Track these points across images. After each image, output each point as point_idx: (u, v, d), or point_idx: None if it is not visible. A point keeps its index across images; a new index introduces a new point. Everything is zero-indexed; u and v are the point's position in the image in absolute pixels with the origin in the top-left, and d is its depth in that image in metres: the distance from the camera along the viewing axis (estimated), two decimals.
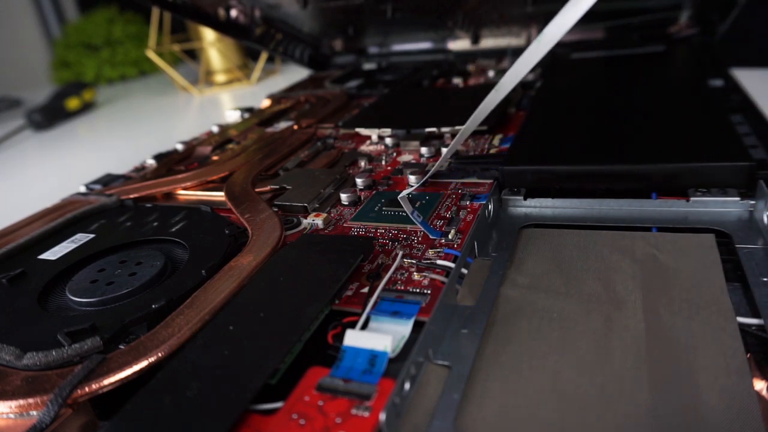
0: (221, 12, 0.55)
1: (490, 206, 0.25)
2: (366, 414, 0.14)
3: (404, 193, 0.21)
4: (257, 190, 0.30)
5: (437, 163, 0.20)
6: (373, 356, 0.17)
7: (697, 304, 0.18)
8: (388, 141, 0.36)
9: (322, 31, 0.62)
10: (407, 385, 0.16)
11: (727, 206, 0.24)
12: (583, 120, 0.32)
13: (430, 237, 0.23)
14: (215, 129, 0.46)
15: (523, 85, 0.44)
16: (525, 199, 0.27)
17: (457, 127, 0.34)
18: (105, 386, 0.16)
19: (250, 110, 0.50)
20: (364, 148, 0.36)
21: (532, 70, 0.48)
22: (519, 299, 0.20)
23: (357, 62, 0.62)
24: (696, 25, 0.48)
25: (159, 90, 0.88)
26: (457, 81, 0.49)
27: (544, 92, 0.40)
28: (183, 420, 0.14)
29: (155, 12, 0.78)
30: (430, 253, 0.22)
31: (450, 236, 0.23)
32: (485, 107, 0.18)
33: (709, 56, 0.43)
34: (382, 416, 0.14)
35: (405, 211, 0.25)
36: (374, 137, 0.37)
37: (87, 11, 1.06)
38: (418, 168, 0.30)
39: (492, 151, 0.32)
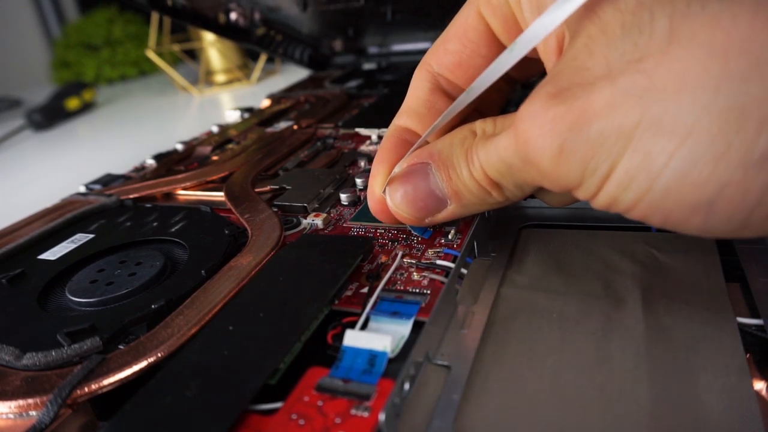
0: (221, 15, 0.55)
1: None
2: (365, 414, 0.14)
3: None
4: (257, 190, 0.30)
5: (400, 163, 0.20)
6: (372, 356, 0.17)
7: (697, 304, 0.18)
8: None
9: (321, 32, 0.62)
10: (407, 386, 0.16)
11: None
12: None
13: (421, 236, 0.23)
14: (215, 129, 0.46)
15: (523, 86, 0.44)
16: (525, 198, 0.26)
17: None
18: (104, 386, 0.16)
19: (249, 110, 0.50)
20: (364, 148, 0.36)
21: None
22: (518, 299, 0.20)
23: (357, 62, 0.62)
24: None
25: (159, 90, 0.88)
26: None
27: None
28: (182, 420, 0.14)
29: (155, 13, 0.78)
30: (430, 253, 0.22)
31: (450, 236, 0.23)
32: (454, 108, 0.18)
33: None
34: (382, 416, 0.14)
35: None
36: (374, 137, 0.37)
37: (87, 11, 1.06)
38: None
39: None
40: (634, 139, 0.14)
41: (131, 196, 0.32)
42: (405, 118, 0.22)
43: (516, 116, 0.16)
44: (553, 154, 0.15)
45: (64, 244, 0.27)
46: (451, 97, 0.21)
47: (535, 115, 0.15)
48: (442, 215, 0.20)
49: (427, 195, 0.19)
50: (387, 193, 0.20)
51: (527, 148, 0.15)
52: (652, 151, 0.13)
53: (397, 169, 0.20)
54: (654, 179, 0.14)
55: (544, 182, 0.16)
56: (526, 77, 0.23)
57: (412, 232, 0.23)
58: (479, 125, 0.18)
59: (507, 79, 0.22)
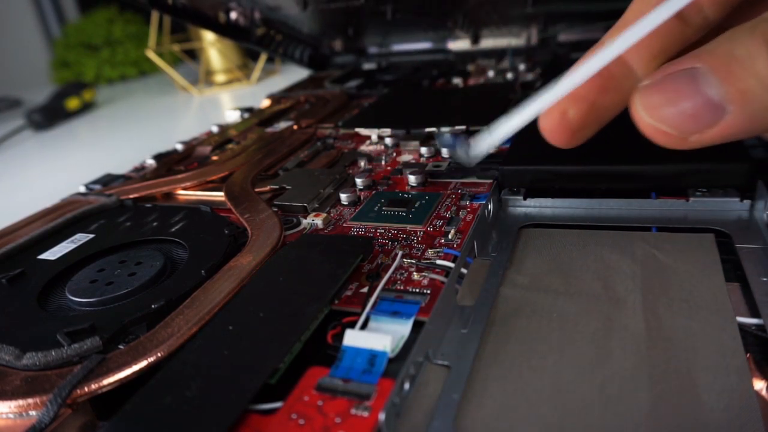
0: (221, 15, 0.55)
1: (490, 206, 0.25)
2: (365, 414, 0.14)
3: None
4: (257, 190, 0.30)
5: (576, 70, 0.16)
6: (372, 356, 0.17)
7: (697, 304, 0.18)
8: (388, 141, 0.36)
9: (321, 32, 0.62)
10: (407, 385, 0.16)
11: (727, 206, 0.24)
12: None
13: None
14: (215, 129, 0.46)
15: (522, 85, 0.44)
16: (525, 198, 0.27)
17: (457, 128, 0.34)
18: (104, 386, 0.16)
19: (249, 110, 0.50)
20: (364, 148, 0.36)
21: (532, 70, 0.48)
22: (519, 299, 0.20)
23: (357, 62, 0.62)
24: None
25: (159, 90, 0.88)
26: (457, 81, 0.49)
27: None
28: (183, 420, 0.14)
29: (155, 12, 0.78)
30: (430, 253, 0.22)
31: (450, 236, 0.23)
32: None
33: None
34: (382, 416, 0.14)
35: (404, 211, 0.25)
36: (374, 137, 0.37)
37: (87, 11, 1.06)
38: (418, 168, 0.30)
39: (491, 151, 0.32)
40: None
41: (131, 196, 0.32)
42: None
43: None
44: None
45: (64, 244, 0.27)
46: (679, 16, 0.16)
47: None
48: (716, 130, 0.14)
49: (698, 101, 0.14)
50: (637, 103, 0.16)
51: None
52: None
53: (646, 82, 0.16)
54: None
55: None
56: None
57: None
58: None
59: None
